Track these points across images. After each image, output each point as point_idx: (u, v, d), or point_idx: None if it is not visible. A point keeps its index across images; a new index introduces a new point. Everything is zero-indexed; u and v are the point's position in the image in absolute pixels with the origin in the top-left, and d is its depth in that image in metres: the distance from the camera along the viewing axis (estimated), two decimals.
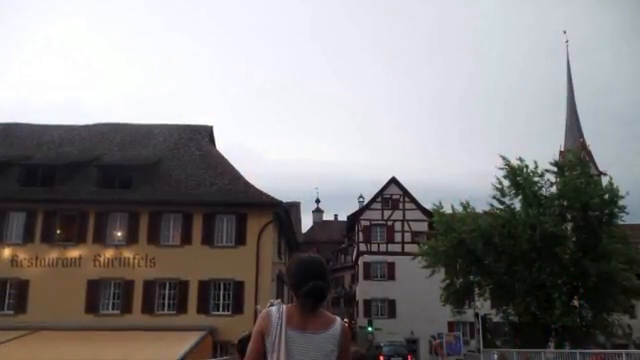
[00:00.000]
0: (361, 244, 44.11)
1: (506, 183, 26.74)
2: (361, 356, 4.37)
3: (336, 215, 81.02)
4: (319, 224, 78.51)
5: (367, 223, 43.97)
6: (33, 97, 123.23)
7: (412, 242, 40.32)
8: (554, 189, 26.71)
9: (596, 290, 24.05)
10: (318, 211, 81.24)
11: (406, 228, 43.33)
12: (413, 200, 44.32)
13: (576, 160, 27.39)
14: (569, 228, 26.38)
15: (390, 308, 41.91)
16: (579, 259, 24.30)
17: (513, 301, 25.43)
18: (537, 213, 24.83)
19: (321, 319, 2.60)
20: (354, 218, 46.14)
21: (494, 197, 27.11)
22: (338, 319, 2.66)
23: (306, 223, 72.20)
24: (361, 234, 44.19)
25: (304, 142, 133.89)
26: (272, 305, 2.67)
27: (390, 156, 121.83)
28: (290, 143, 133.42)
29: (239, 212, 25.10)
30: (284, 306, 2.62)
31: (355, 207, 52.03)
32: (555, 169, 26.97)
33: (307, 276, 2.56)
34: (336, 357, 2.57)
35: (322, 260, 2.71)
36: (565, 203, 25.84)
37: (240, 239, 24.91)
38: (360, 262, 43.81)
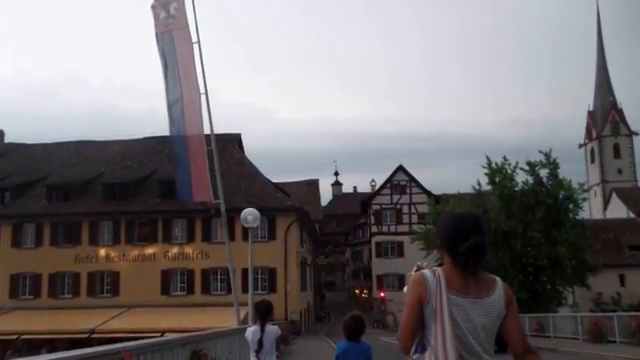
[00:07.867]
0: (373, 226, 54.61)
1: (485, 181, 36.43)
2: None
3: (355, 187, 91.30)
4: (339, 197, 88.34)
5: (378, 207, 54.34)
6: None
7: (419, 223, 50.50)
8: (527, 184, 36.49)
9: (546, 269, 34.14)
10: (337, 184, 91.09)
11: (413, 211, 53.56)
12: (419, 185, 54.43)
13: (546, 162, 36.95)
14: (538, 217, 36.21)
15: (400, 281, 52.32)
16: (539, 244, 34.20)
17: None
18: (508, 205, 34.79)
19: (483, 281, 2.46)
20: (366, 203, 56.62)
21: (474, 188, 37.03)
22: (498, 279, 2.53)
23: (324, 184, 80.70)
24: (373, 217, 54.65)
25: (320, 99, 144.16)
26: (420, 268, 2.53)
27: (415, 108, 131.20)
28: (305, 101, 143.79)
29: (270, 215, 35.50)
30: (439, 269, 2.46)
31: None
32: (528, 168, 36.70)
33: (465, 231, 2.43)
34: (502, 322, 2.45)
35: (479, 215, 2.66)
36: (533, 201, 35.50)
37: (271, 235, 35.67)
38: (373, 242, 54.38)
